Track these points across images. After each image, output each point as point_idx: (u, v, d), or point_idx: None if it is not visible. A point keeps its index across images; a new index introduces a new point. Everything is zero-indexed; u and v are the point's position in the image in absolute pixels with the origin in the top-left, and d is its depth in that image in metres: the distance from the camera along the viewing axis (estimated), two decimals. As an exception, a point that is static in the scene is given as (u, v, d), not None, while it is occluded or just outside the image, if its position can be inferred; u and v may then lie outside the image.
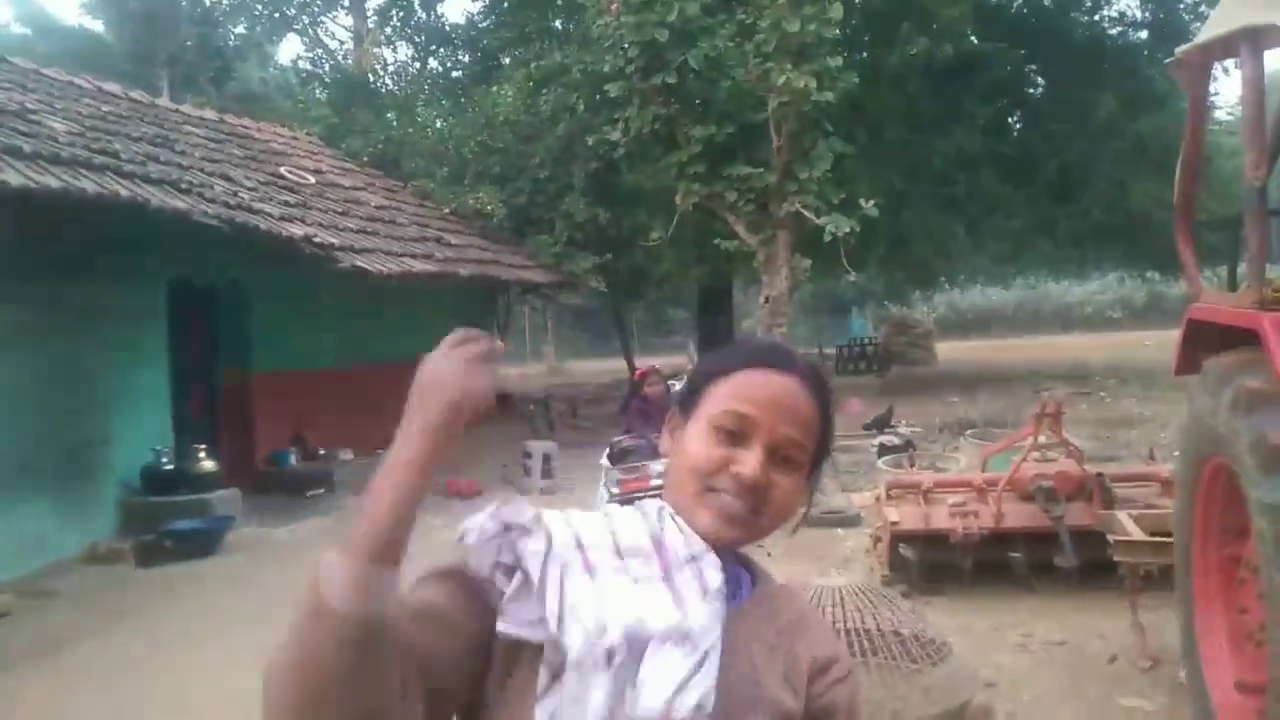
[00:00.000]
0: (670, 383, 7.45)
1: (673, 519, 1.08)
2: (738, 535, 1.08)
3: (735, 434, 1.08)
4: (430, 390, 0.95)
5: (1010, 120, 19.18)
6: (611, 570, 1.01)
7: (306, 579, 0.89)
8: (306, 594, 0.88)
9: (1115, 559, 4.45)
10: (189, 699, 4.77)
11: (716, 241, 11.35)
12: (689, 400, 1.14)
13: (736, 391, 1.09)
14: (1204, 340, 3.56)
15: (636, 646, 0.96)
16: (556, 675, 0.96)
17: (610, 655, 0.94)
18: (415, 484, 0.92)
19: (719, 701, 0.99)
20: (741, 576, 1.15)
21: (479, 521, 1.02)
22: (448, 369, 0.96)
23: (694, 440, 1.10)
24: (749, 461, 1.07)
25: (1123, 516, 4.66)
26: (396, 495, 0.91)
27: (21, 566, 6.87)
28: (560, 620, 0.96)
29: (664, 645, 0.97)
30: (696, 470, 1.08)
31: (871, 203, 10.10)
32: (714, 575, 1.04)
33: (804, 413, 1.10)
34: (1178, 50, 3.58)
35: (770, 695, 1.06)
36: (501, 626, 0.99)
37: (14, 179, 5.78)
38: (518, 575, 0.99)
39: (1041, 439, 5.90)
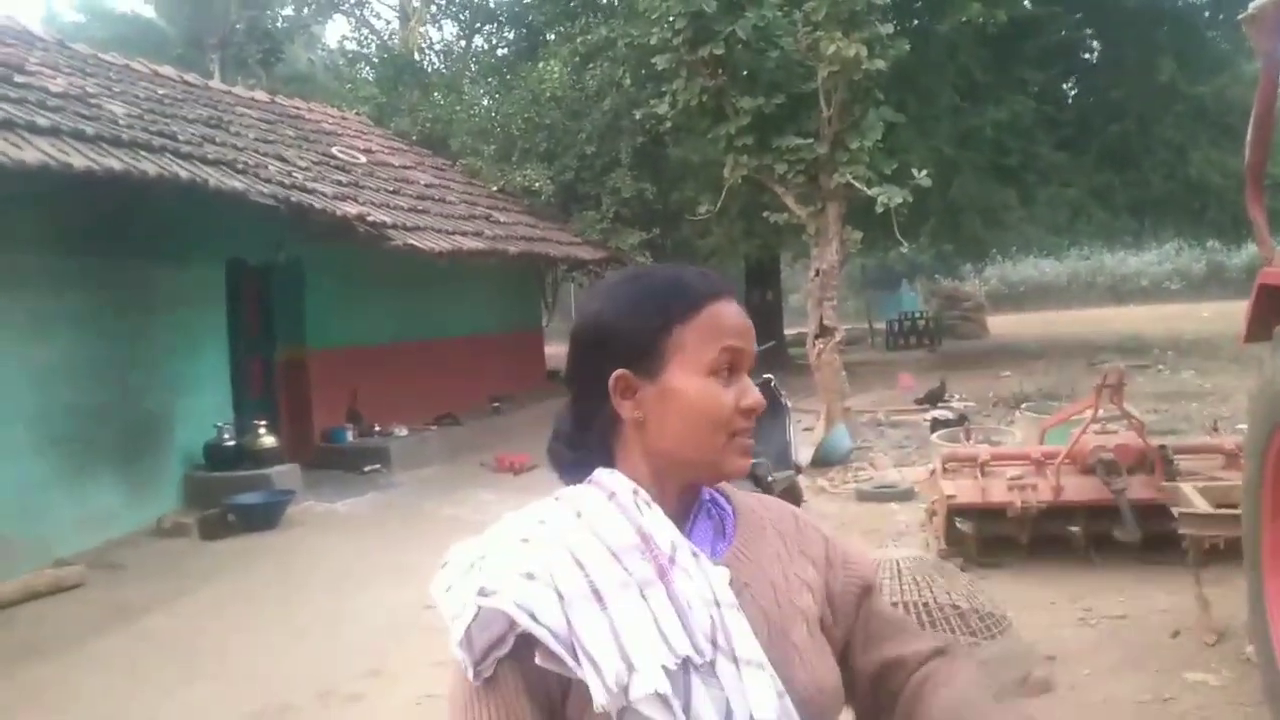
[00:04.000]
0: None
1: (648, 505, 1.06)
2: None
3: (729, 371, 1.09)
4: None
5: (1065, 86, 18.73)
6: (619, 586, 0.98)
7: None
8: None
9: (1180, 532, 4.37)
10: (255, 665, 4.90)
11: (765, 214, 11.26)
12: (641, 356, 1.09)
13: (717, 329, 1.09)
14: (1276, 305, 3.46)
15: (680, 680, 0.95)
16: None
17: (660, 696, 0.94)
18: None
19: (764, 633, 1.03)
20: (723, 505, 1.18)
21: (473, 637, 0.98)
22: None
23: (700, 393, 1.07)
24: (751, 391, 1.09)
25: (1187, 489, 4.57)
26: None
27: (91, 540, 7.08)
28: (579, 662, 0.95)
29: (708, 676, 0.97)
30: (722, 423, 1.07)
31: (924, 172, 9.93)
32: (710, 566, 1.05)
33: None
34: (1252, 5, 3.46)
35: (800, 605, 1.10)
36: (539, 661, 0.96)
37: (78, 161, 5.90)
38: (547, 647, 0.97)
39: (1101, 411, 5.80)
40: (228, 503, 7.72)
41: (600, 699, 0.92)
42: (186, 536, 7.51)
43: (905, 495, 7.63)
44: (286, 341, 10.24)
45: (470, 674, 0.98)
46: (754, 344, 1.12)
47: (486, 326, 13.41)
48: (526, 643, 0.95)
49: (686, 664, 0.95)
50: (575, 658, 0.94)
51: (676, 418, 1.08)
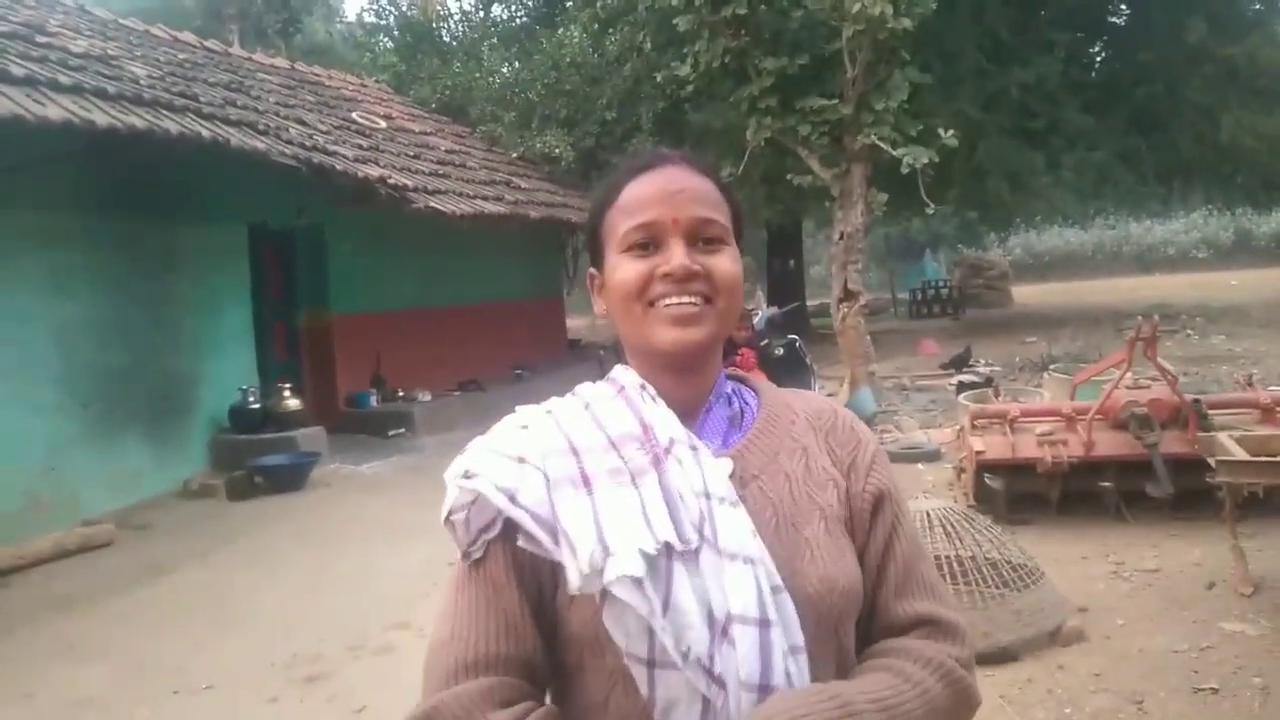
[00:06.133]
0: (754, 321, 7.34)
1: (653, 399, 1.05)
2: (703, 331, 1.05)
3: (648, 244, 1.06)
4: None
5: (1093, 49, 18.40)
6: (609, 474, 0.98)
7: None
8: None
9: (1217, 480, 4.30)
10: (284, 618, 4.93)
11: (789, 177, 11.13)
12: (594, 249, 1.13)
13: (628, 207, 1.07)
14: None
15: (663, 566, 0.93)
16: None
17: (637, 581, 0.91)
18: None
19: (771, 524, 1.01)
20: (746, 397, 1.15)
21: (463, 503, 1.00)
22: None
23: (614, 270, 1.08)
24: (672, 256, 1.04)
25: (1224, 438, 4.50)
26: None
27: (120, 500, 7.16)
28: (558, 544, 0.94)
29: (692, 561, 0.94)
30: (630, 294, 1.06)
31: (950, 132, 9.77)
32: (708, 459, 1.02)
33: (699, 189, 1.08)
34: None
35: (820, 501, 1.05)
36: (521, 543, 0.97)
37: (101, 119, 5.89)
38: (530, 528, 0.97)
39: (1132, 374, 5.70)
40: (254, 464, 7.76)
41: (575, 581, 0.92)
42: (214, 498, 7.56)
43: (932, 456, 7.57)
44: (309, 306, 10.24)
45: (460, 555, 1.02)
46: (692, 207, 1.06)
47: (508, 294, 13.38)
48: (513, 527, 0.96)
49: (669, 550, 0.93)
50: (555, 541, 0.94)
51: (612, 302, 1.09)
